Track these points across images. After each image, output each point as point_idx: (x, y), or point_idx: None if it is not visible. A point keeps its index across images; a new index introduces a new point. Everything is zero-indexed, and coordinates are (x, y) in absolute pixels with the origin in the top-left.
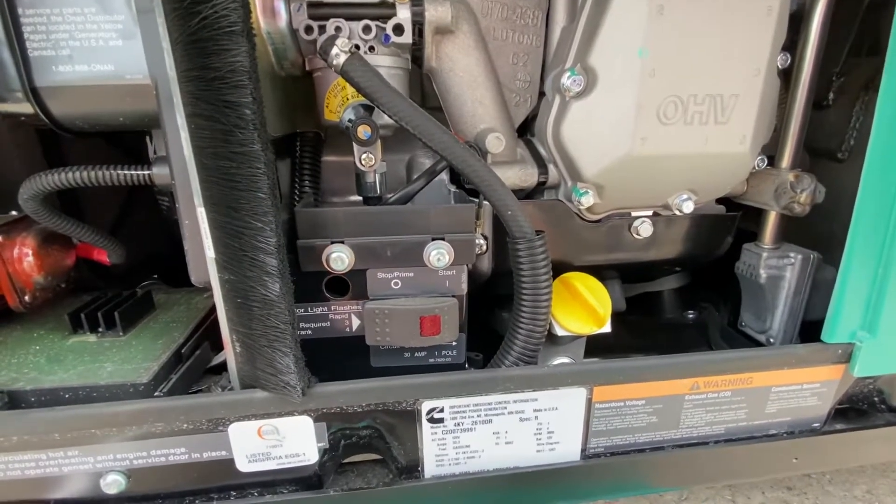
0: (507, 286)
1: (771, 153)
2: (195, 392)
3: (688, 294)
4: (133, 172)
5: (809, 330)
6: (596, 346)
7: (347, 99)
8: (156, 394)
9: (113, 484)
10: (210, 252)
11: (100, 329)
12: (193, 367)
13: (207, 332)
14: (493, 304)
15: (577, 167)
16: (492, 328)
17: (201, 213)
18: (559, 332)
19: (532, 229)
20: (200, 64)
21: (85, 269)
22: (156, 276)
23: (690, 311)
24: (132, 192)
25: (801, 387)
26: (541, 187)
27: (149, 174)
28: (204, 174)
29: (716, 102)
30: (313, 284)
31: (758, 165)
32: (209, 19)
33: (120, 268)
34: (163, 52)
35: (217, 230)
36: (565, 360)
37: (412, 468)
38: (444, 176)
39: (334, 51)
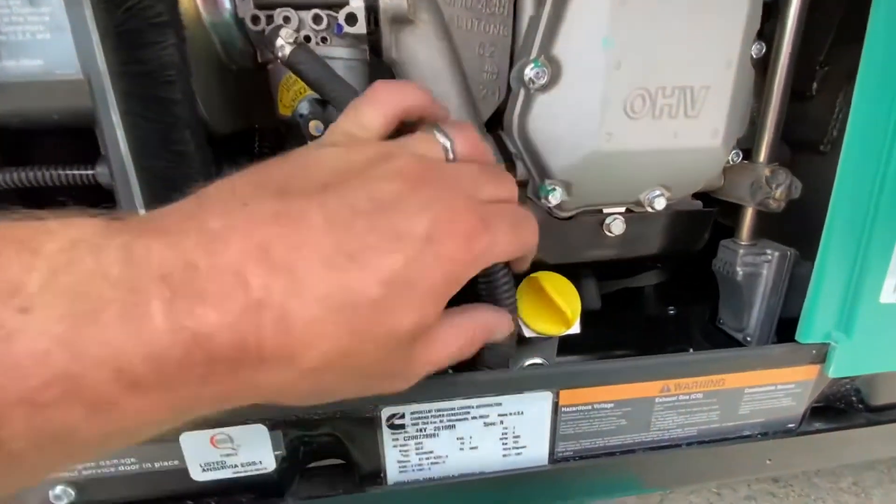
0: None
1: (748, 146)
2: None
3: (669, 290)
4: (76, 172)
5: (788, 328)
6: (573, 345)
7: (300, 93)
8: None
9: (62, 495)
10: None
11: None
12: None
13: None
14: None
15: (544, 163)
16: None
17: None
18: (528, 333)
19: None
20: (130, 58)
21: None
22: None
23: (671, 308)
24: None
25: (774, 387)
26: None
27: (93, 174)
28: (142, 175)
29: (685, 95)
30: None
31: (732, 160)
32: (134, 10)
33: None
34: (93, 46)
35: None
36: (538, 360)
37: (375, 475)
38: None
39: (279, 42)
